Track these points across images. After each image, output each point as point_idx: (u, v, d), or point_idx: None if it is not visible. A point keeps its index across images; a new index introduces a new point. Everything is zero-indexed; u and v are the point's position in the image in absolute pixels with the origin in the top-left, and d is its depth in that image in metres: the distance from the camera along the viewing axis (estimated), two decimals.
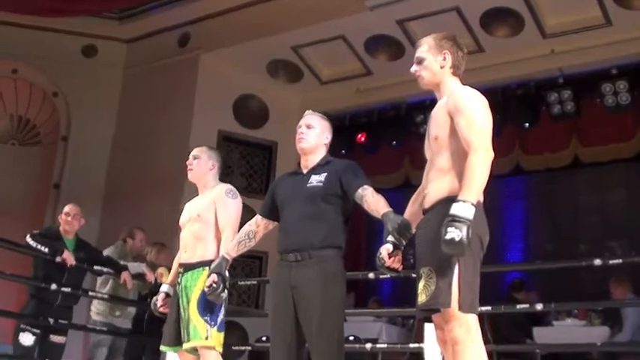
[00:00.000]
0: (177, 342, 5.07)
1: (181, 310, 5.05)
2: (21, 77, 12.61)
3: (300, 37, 11.08)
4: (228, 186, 5.32)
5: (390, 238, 3.79)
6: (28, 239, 7.04)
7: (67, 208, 7.48)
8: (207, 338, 4.89)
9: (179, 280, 5.15)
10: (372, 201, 4.14)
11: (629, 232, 10.59)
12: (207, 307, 4.90)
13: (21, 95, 12.67)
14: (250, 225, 4.74)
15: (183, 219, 5.37)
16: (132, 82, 12.59)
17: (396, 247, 3.77)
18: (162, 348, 5.25)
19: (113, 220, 10.87)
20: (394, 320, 10.16)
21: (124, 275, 7.50)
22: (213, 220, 5.15)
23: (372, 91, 11.69)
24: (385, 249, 3.76)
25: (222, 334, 4.98)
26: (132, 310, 8.21)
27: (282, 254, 4.36)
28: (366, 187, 4.23)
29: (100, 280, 8.13)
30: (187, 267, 5.13)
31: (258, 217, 4.72)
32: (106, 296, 7.85)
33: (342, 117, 11.39)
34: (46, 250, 7.03)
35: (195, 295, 4.94)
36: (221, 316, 4.97)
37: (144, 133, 11.86)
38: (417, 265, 3.56)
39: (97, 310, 8.02)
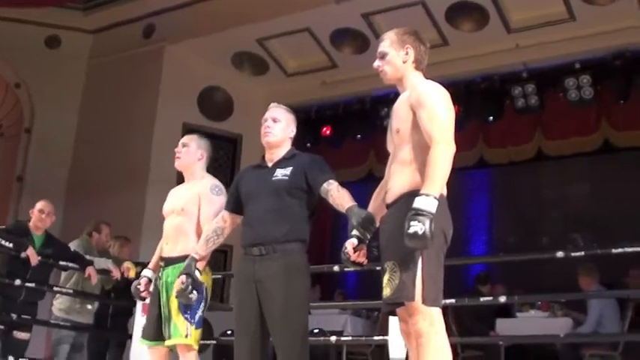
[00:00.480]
0: (158, 337, 5.01)
1: (162, 306, 5.00)
2: None
3: (266, 29, 11.05)
4: (215, 182, 5.24)
5: (354, 232, 3.79)
6: None
7: (40, 205, 7.42)
8: (186, 336, 4.86)
9: (160, 274, 5.11)
10: (337, 195, 4.13)
11: (592, 225, 10.72)
12: (187, 305, 4.84)
13: None
14: (217, 222, 4.71)
15: (166, 208, 5.30)
16: (96, 73, 12.49)
17: (360, 241, 3.78)
18: (141, 342, 5.20)
19: (77, 213, 10.77)
20: (359, 313, 10.18)
21: (89, 270, 7.43)
22: (196, 214, 5.09)
23: (338, 84, 11.70)
24: (350, 243, 3.77)
25: (199, 331, 4.95)
26: (96, 305, 8.15)
27: (247, 248, 4.35)
28: (331, 181, 4.23)
29: (64, 274, 8.06)
30: (168, 261, 5.09)
31: (224, 213, 4.68)
32: (70, 291, 7.78)
33: (307, 110, 11.41)
34: (10, 245, 6.96)
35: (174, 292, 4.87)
36: (199, 313, 4.93)
37: (108, 125, 11.77)
38: (382, 260, 3.57)
39: (59, 305, 7.94)
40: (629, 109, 10.22)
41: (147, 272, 5.27)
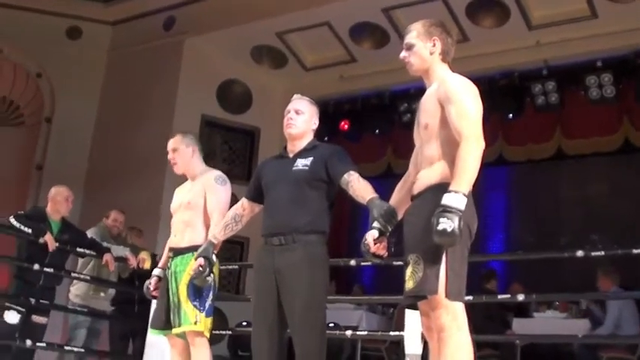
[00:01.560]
0: (166, 326, 5.08)
1: (171, 294, 5.07)
2: (5, 58, 12.50)
3: (285, 23, 11.05)
4: (218, 172, 5.35)
5: (375, 224, 3.77)
6: (12, 220, 7.04)
7: (66, 192, 7.49)
8: (196, 323, 4.91)
9: (169, 264, 5.19)
10: (358, 187, 4.12)
11: (612, 226, 10.62)
12: (197, 292, 4.91)
13: (5, 76, 12.57)
14: (236, 208, 4.73)
15: (174, 205, 5.41)
16: (116, 64, 12.53)
17: (381, 233, 3.76)
18: (150, 331, 5.26)
19: (95, 202, 10.82)
20: (375, 308, 10.18)
21: (107, 257, 7.49)
22: (202, 206, 5.18)
23: (356, 78, 11.68)
24: (371, 235, 3.74)
25: (209, 320, 5.00)
26: (111, 292, 8.20)
27: (267, 238, 4.34)
28: (352, 172, 4.21)
29: (81, 261, 8.11)
30: (177, 251, 5.17)
31: (244, 200, 4.70)
32: (87, 277, 7.84)
33: (325, 104, 11.37)
34: (29, 231, 7.02)
35: (184, 280, 4.95)
36: (209, 302, 4.99)
37: (127, 116, 11.81)
38: (405, 252, 3.54)
39: (75, 292, 8.00)
40: None
41: (157, 271, 5.36)
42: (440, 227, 3.19)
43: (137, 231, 8.70)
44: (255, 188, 4.60)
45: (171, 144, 5.48)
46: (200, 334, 4.94)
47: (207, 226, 5.10)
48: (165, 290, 5.14)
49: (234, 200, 4.85)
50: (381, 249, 3.77)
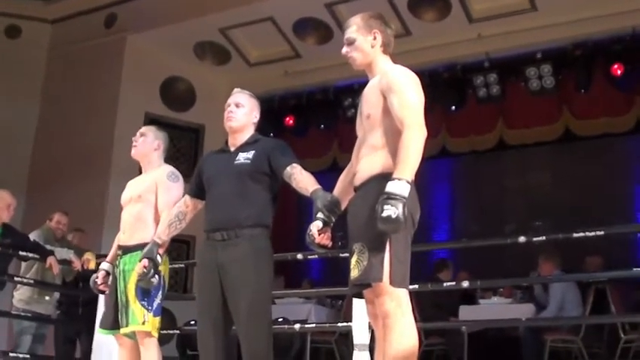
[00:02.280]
0: (115, 325, 5.02)
1: (119, 293, 5.01)
2: None
3: (228, 19, 11.02)
4: (171, 168, 5.28)
5: (319, 215, 3.79)
6: None
7: (8, 199, 7.38)
8: (144, 323, 4.86)
9: (117, 262, 5.11)
10: (301, 179, 4.13)
11: (554, 213, 10.80)
12: (145, 291, 4.86)
13: None
14: (179, 206, 4.70)
15: (124, 198, 5.32)
16: (57, 63, 12.37)
17: (325, 223, 3.78)
18: (99, 331, 5.21)
19: (39, 204, 10.70)
20: (323, 301, 10.21)
21: (50, 260, 7.37)
22: (153, 202, 5.11)
23: (301, 74, 11.71)
24: (315, 226, 3.76)
25: (158, 319, 4.95)
26: (56, 295, 8.11)
27: (209, 233, 4.32)
28: (294, 165, 4.22)
29: (24, 265, 8.01)
30: (126, 249, 5.09)
31: (186, 197, 4.68)
32: (31, 281, 7.73)
33: (270, 99, 11.39)
34: None
35: (133, 279, 4.87)
36: (157, 301, 4.94)
37: (70, 115, 11.68)
38: (350, 242, 3.57)
39: (19, 296, 7.89)
40: (589, 98, 10.32)
41: (104, 265, 5.29)
42: (384, 214, 3.22)
43: (81, 232, 8.63)
44: (197, 184, 4.57)
45: (143, 128, 5.46)
46: (148, 334, 4.89)
47: (158, 223, 4.99)
48: (114, 289, 5.08)
49: None
50: (325, 239, 3.78)
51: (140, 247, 4.87)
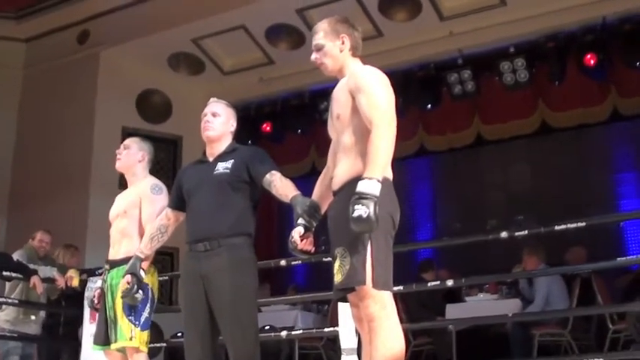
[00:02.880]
0: (107, 341, 5.00)
1: (107, 309, 5.00)
2: None
3: (200, 29, 11.00)
4: (155, 181, 5.24)
5: (300, 220, 3.81)
6: None
7: None
8: (131, 339, 4.84)
9: (105, 277, 5.11)
10: (280, 185, 4.15)
11: (535, 206, 10.85)
12: (131, 306, 4.82)
13: None
14: (161, 219, 4.70)
15: (111, 214, 5.30)
16: (32, 81, 12.30)
17: (307, 229, 3.79)
18: (93, 347, 5.18)
19: (20, 223, 10.66)
20: (309, 307, 10.21)
21: (34, 279, 7.35)
22: (137, 216, 5.10)
23: (275, 80, 11.70)
24: (297, 232, 3.78)
25: (146, 333, 4.91)
26: (42, 315, 8.08)
27: (191, 244, 4.33)
28: (273, 172, 4.24)
29: (8, 285, 7.97)
30: (113, 263, 5.08)
31: (167, 210, 4.68)
32: (16, 301, 7.70)
33: (246, 107, 11.38)
34: None
35: (120, 294, 4.81)
36: (145, 315, 4.90)
37: (47, 132, 11.63)
38: (332, 247, 3.59)
39: (5, 317, 7.85)
40: (564, 90, 10.36)
41: (99, 283, 5.29)
42: (355, 214, 3.23)
43: (73, 249, 8.56)
44: (177, 196, 4.58)
45: (127, 140, 5.44)
46: (137, 349, 4.87)
47: (142, 236, 4.95)
48: (104, 304, 5.07)
49: None
50: (307, 244, 3.80)
51: (127, 260, 4.84)
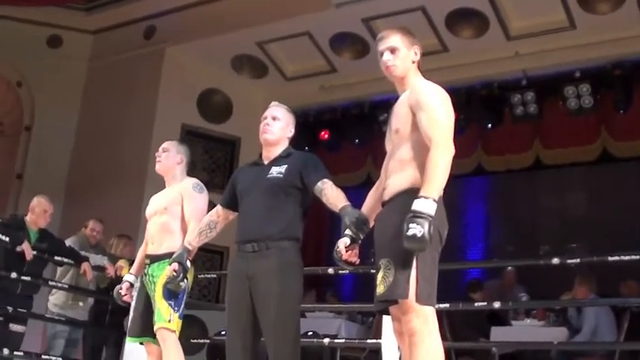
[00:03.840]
0: (143, 333, 5.12)
1: (152, 301, 5.11)
2: None
3: (266, 33, 11.07)
4: (195, 180, 5.41)
5: (347, 231, 3.82)
6: None
7: (46, 205, 7.50)
8: (169, 321, 4.97)
9: (146, 271, 5.22)
10: (331, 194, 4.15)
11: (589, 234, 10.69)
12: (172, 293, 4.96)
13: None
14: (211, 215, 4.76)
15: (149, 211, 5.44)
16: (97, 73, 12.51)
17: (353, 240, 3.79)
18: (128, 339, 5.28)
19: (75, 210, 10.80)
20: (354, 317, 10.17)
21: (84, 266, 7.51)
22: (179, 213, 5.24)
23: (336, 88, 11.71)
24: (342, 242, 3.79)
25: (181, 322, 5.07)
26: (90, 301, 8.20)
27: (240, 244, 4.36)
28: (325, 180, 4.24)
29: (60, 270, 8.12)
30: (154, 258, 5.20)
31: (218, 207, 4.72)
32: (65, 286, 7.83)
33: (305, 114, 11.40)
34: (7, 239, 7.01)
35: (160, 282, 4.99)
36: (182, 304, 5.06)
37: (107, 125, 11.80)
38: (376, 257, 3.57)
39: (54, 301, 8.00)
40: (628, 119, 10.18)
41: (129, 277, 5.42)
42: (410, 233, 3.22)
43: (126, 239, 8.69)
44: (230, 195, 4.62)
45: (165, 144, 5.55)
46: (172, 332, 4.99)
47: (185, 233, 5.13)
48: (144, 297, 5.19)
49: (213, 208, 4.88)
50: (352, 256, 3.81)
51: (168, 255, 5.00)
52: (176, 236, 5.19)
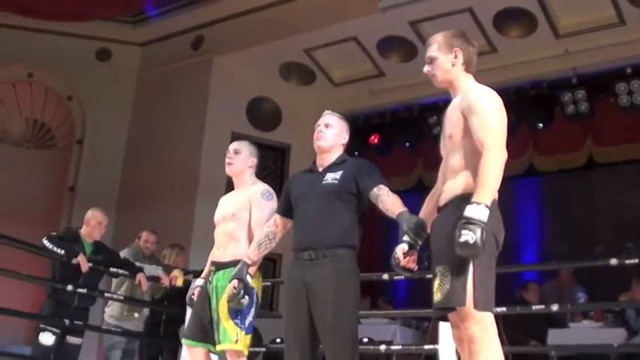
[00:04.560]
0: (200, 338, 5.01)
1: (211, 310, 4.99)
2: (36, 81, 12.72)
3: (313, 40, 11.10)
4: (265, 186, 5.23)
5: (405, 237, 3.79)
6: (45, 241, 7.13)
7: (100, 217, 7.56)
8: (237, 342, 4.84)
9: (210, 278, 5.11)
10: (388, 200, 4.14)
11: None
12: (237, 310, 4.83)
13: (36, 99, 12.78)
14: (269, 226, 4.74)
15: (217, 216, 5.30)
16: (146, 84, 12.65)
17: (411, 246, 3.77)
18: (184, 341, 5.20)
19: (128, 222, 10.91)
20: (409, 323, 10.13)
21: (140, 277, 7.55)
22: (247, 220, 5.09)
23: (385, 92, 11.69)
24: (400, 249, 3.76)
25: (249, 337, 4.92)
26: (145, 312, 8.25)
27: (297, 252, 4.37)
28: (381, 186, 4.23)
29: (115, 282, 8.19)
30: (219, 265, 5.08)
31: (276, 217, 4.72)
32: (121, 297, 7.89)
33: (355, 118, 11.33)
34: (62, 252, 7.09)
35: (225, 297, 4.84)
36: (249, 319, 4.90)
37: (158, 135, 11.90)
38: (433, 264, 3.55)
39: (110, 312, 8.06)
40: None
41: (200, 282, 5.27)
42: (462, 239, 3.20)
43: (178, 249, 8.71)
44: (286, 204, 4.62)
45: (235, 145, 5.39)
46: (240, 353, 4.88)
47: (251, 240, 4.98)
48: (205, 303, 5.06)
49: None
50: (410, 262, 3.78)
51: (233, 263, 4.88)
52: (242, 243, 5.03)
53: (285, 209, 4.64)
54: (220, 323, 4.90)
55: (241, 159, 5.30)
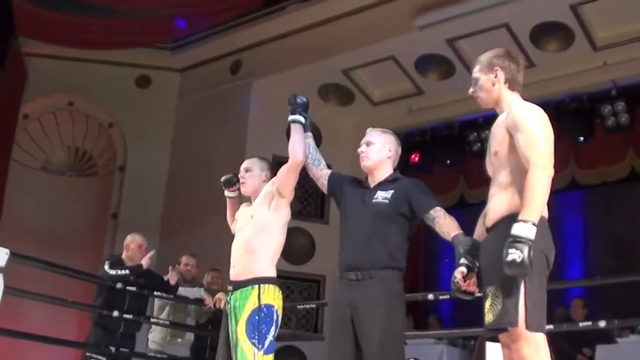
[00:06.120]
0: None
1: (230, 332, 4.69)
2: (77, 109, 12.86)
3: (350, 60, 11.13)
4: None
5: (462, 260, 3.78)
6: (108, 269, 7.20)
7: (139, 240, 7.63)
8: None
9: (228, 299, 4.80)
10: (444, 223, 4.14)
11: None
12: (256, 328, 4.55)
13: (77, 127, 12.92)
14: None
15: (237, 226, 5.09)
16: (185, 110, 12.75)
17: (469, 269, 3.76)
18: None
19: (171, 247, 10.94)
20: (455, 342, 10.05)
21: (170, 275, 7.69)
22: (267, 221, 4.78)
23: (424, 110, 11.68)
24: (460, 272, 3.75)
25: (270, 357, 4.57)
26: (188, 337, 8.26)
27: (343, 272, 4.34)
28: (438, 208, 4.24)
29: (156, 306, 8.21)
30: (236, 285, 4.75)
31: (324, 171, 4.78)
32: (167, 322, 7.91)
33: None
34: (126, 272, 7.16)
35: (244, 316, 4.60)
36: (270, 338, 4.58)
37: (199, 160, 11.96)
38: (483, 285, 3.55)
39: (153, 338, 8.09)
40: None
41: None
42: (509, 258, 3.19)
43: (217, 272, 8.58)
44: (333, 189, 4.66)
45: (245, 163, 5.21)
46: None
47: (272, 251, 4.75)
48: (226, 327, 4.77)
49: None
50: (471, 285, 3.77)
51: (251, 282, 4.65)
52: (260, 257, 4.72)
53: (333, 185, 4.67)
54: (238, 344, 4.59)
55: (254, 176, 5.11)
